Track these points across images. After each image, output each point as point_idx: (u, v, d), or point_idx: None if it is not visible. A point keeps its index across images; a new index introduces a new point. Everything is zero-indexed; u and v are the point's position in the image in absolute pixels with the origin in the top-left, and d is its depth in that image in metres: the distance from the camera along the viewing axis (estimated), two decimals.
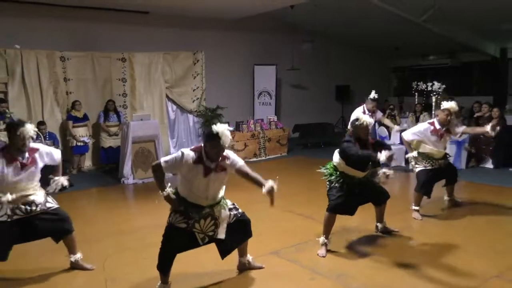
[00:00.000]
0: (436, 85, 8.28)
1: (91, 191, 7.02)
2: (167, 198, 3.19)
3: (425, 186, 4.97)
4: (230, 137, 3.17)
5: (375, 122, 7.07)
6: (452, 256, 3.91)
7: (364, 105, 6.95)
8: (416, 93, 10.50)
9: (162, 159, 3.18)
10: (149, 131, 7.67)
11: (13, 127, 3.34)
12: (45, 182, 3.67)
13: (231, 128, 3.25)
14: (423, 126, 5.10)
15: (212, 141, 3.08)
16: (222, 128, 3.07)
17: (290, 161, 9.22)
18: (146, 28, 10.04)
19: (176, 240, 3.23)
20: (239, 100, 11.55)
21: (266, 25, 11.75)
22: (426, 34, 11.29)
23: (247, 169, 3.29)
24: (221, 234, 3.33)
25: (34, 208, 3.47)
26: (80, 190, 6.98)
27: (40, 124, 7.40)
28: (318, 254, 3.97)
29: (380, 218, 4.46)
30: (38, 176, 3.57)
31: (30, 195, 3.47)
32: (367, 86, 14.32)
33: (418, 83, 9.45)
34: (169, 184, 3.23)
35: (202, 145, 3.20)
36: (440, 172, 5.09)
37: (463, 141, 7.53)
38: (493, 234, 4.48)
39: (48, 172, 3.69)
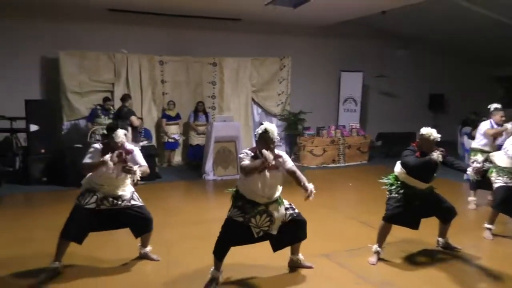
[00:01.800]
0: None
1: (175, 183, 7.72)
2: (263, 162, 3.29)
3: (502, 203, 4.65)
4: (276, 133, 3.47)
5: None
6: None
7: (492, 118, 5.92)
8: None
9: (243, 163, 3.42)
10: (230, 132, 8.16)
11: (109, 130, 3.83)
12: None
13: (277, 130, 3.54)
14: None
15: (262, 138, 3.43)
16: (268, 125, 3.45)
17: (369, 169, 9.06)
18: (237, 35, 10.62)
19: (233, 232, 3.53)
20: (324, 106, 11.61)
21: (355, 31, 11.66)
22: None
23: (295, 169, 3.58)
24: (274, 230, 3.57)
25: (119, 202, 3.82)
26: (166, 182, 7.73)
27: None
28: (368, 261, 4.00)
29: (443, 233, 4.32)
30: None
31: (119, 189, 3.85)
32: (464, 96, 13.56)
33: None
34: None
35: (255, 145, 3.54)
36: None
37: None
38: None
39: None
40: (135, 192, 4.00)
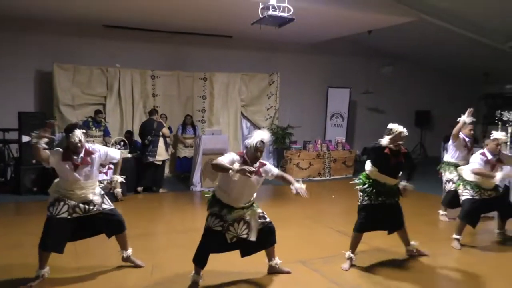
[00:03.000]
0: (508, 114, 7.88)
1: (163, 194, 7.93)
2: (239, 170, 3.39)
3: (468, 215, 4.93)
4: (268, 141, 3.74)
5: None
6: (471, 284, 3.98)
7: (461, 131, 6.02)
8: (499, 123, 10.01)
9: (219, 158, 3.62)
10: (218, 144, 8.39)
11: (66, 131, 3.80)
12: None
13: (269, 140, 3.78)
14: (478, 157, 5.04)
15: (255, 148, 3.65)
16: (265, 136, 3.69)
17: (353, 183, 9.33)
18: (228, 51, 10.94)
19: (212, 241, 3.75)
20: (312, 121, 11.92)
21: (343, 49, 12.05)
22: None
23: (282, 173, 3.94)
24: (253, 237, 3.77)
25: (91, 207, 3.85)
26: (155, 193, 7.93)
27: (128, 133, 8.60)
28: (341, 267, 4.24)
29: (406, 241, 4.59)
30: (95, 176, 3.94)
31: (89, 194, 3.85)
32: (450, 113, 13.86)
33: (502, 112, 9.03)
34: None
35: (244, 151, 3.78)
36: (489, 203, 4.99)
37: None
38: None
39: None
40: (105, 195, 4.06)
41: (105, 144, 8.09)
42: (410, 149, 13.24)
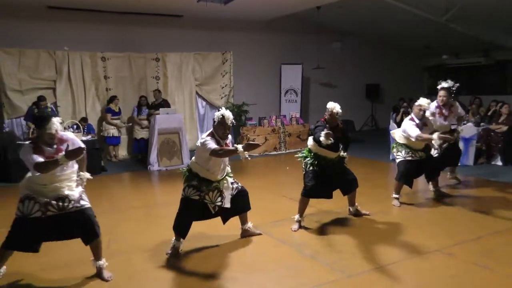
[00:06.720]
0: (450, 83, 8.41)
1: (120, 175, 7.98)
2: (246, 149, 3.59)
3: (404, 176, 5.33)
4: (232, 117, 3.92)
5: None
6: (405, 234, 4.40)
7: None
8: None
9: (212, 147, 3.69)
10: (173, 123, 8.50)
11: (41, 122, 3.29)
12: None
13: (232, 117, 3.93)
14: (409, 122, 5.25)
15: (220, 123, 3.86)
16: (225, 112, 3.88)
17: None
18: (179, 30, 10.93)
19: (191, 209, 3.95)
20: (266, 97, 12.18)
21: (293, 26, 12.30)
22: (454, 33, 11.29)
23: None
24: (227, 204, 4.03)
25: (67, 204, 3.38)
26: (111, 175, 7.98)
27: (83, 120, 8.57)
28: (291, 229, 4.55)
29: (351, 202, 4.97)
30: (70, 166, 3.47)
31: (64, 188, 3.42)
32: (398, 85, 14.57)
33: (441, 81, 9.59)
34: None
35: (212, 130, 3.93)
36: (420, 164, 5.37)
37: (471, 138, 7.67)
38: (454, 220, 4.83)
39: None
40: (84, 192, 3.60)
41: None
42: (362, 122, 14.05)
